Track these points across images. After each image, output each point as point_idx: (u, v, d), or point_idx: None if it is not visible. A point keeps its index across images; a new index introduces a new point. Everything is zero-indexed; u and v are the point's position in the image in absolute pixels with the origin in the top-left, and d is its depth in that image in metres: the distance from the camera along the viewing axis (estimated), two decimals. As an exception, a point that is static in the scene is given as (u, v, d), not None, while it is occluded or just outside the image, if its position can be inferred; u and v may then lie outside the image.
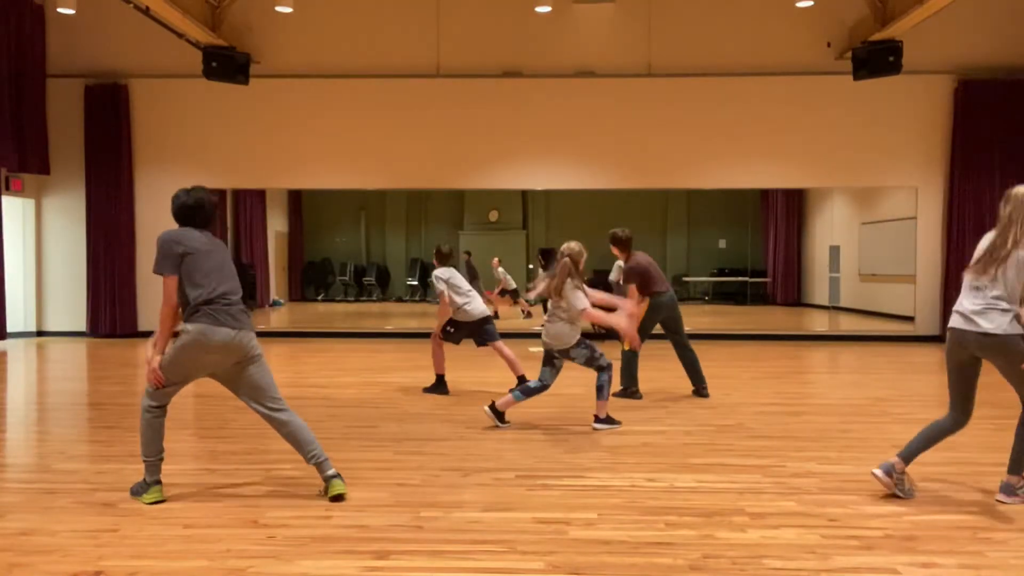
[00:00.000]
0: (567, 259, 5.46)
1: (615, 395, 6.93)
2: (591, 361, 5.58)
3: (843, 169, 12.12)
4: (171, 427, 5.68)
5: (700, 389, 6.98)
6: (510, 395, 5.67)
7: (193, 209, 3.95)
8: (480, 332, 6.99)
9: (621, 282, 7.55)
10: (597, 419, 5.66)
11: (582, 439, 5.35)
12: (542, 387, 5.63)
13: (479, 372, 8.08)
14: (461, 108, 12.18)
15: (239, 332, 3.86)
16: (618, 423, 5.70)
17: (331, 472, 4.02)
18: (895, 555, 3.27)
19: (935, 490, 4.07)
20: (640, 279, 6.80)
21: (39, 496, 4.09)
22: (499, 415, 5.68)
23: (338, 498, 3.97)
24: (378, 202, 22.72)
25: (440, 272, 6.91)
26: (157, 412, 3.98)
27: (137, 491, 4.01)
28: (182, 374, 3.93)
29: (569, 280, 5.45)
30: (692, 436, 5.48)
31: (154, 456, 3.97)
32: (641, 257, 6.91)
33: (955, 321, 3.89)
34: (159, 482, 4.00)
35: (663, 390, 7.14)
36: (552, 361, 5.64)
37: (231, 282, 3.94)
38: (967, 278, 3.89)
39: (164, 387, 3.91)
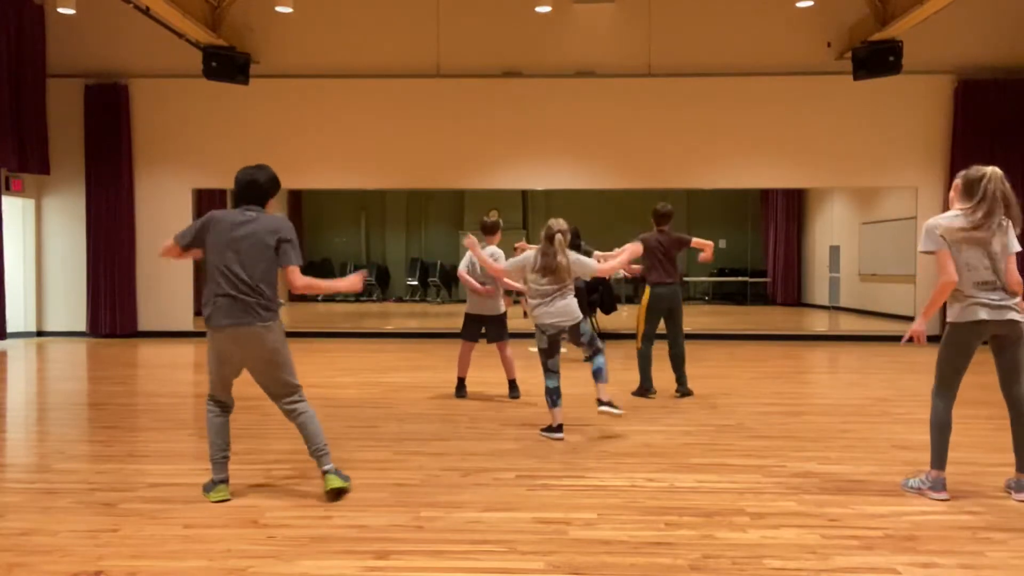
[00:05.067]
0: (559, 234, 5.51)
1: (633, 394, 6.97)
2: (592, 340, 5.51)
3: (843, 169, 12.11)
4: (171, 427, 5.73)
5: (681, 386, 7.01)
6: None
7: (236, 188, 4.31)
8: (490, 330, 6.85)
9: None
10: (601, 402, 5.39)
11: (582, 439, 5.35)
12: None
13: (479, 372, 8.06)
14: (461, 108, 12.18)
15: (236, 327, 3.90)
16: (619, 410, 5.45)
17: (328, 467, 4.04)
18: (895, 555, 3.28)
19: (935, 490, 4.07)
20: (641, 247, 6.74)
21: (39, 496, 4.09)
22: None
23: (334, 493, 3.99)
24: (378, 202, 22.70)
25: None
26: (214, 410, 4.02)
27: (206, 488, 4.03)
28: (214, 364, 3.99)
29: (570, 252, 5.53)
30: (692, 436, 5.48)
31: (216, 454, 3.99)
32: (652, 235, 7.02)
33: None
34: (225, 480, 4.01)
35: (663, 390, 7.13)
36: (558, 349, 5.47)
37: (225, 279, 3.99)
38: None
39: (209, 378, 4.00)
